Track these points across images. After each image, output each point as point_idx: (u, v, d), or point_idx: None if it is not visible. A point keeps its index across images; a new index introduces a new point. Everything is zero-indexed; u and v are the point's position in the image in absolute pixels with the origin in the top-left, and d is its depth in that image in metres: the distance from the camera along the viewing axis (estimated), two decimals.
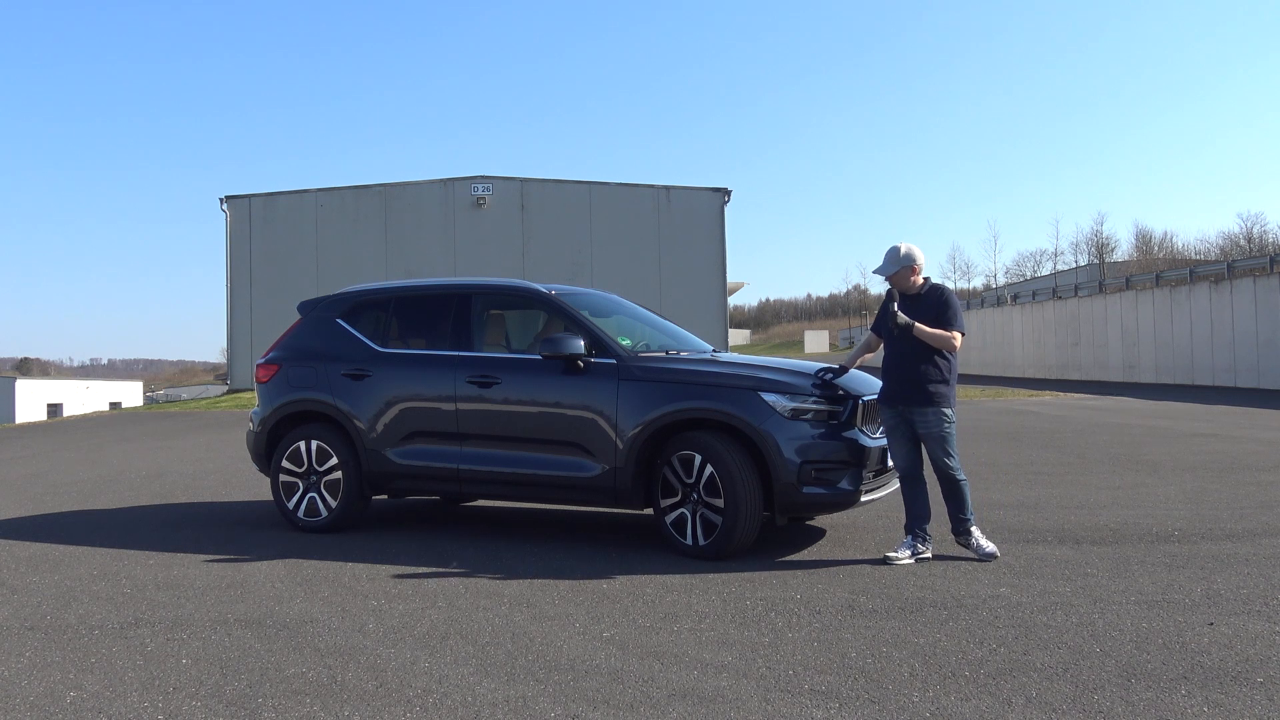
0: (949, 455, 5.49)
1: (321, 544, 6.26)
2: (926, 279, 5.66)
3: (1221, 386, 25.49)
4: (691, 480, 5.60)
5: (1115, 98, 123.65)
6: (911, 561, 5.42)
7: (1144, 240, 69.35)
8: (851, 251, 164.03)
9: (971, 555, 5.48)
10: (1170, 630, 4.08)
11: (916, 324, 5.45)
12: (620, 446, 5.79)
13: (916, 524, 5.53)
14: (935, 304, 5.53)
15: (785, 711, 3.27)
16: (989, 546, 5.47)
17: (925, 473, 5.63)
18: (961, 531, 5.52)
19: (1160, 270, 36.73)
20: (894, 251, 5.60)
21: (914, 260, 5.57)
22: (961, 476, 5.53)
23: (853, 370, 6.04)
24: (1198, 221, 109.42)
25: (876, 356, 6.05)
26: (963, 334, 5.52)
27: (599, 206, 29.84)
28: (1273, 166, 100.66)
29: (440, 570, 5.50)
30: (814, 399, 5.55)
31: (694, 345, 6.88)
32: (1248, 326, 25.40)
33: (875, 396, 5.87)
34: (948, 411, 5.48)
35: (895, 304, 5.56)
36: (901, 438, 5.60)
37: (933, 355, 5.48)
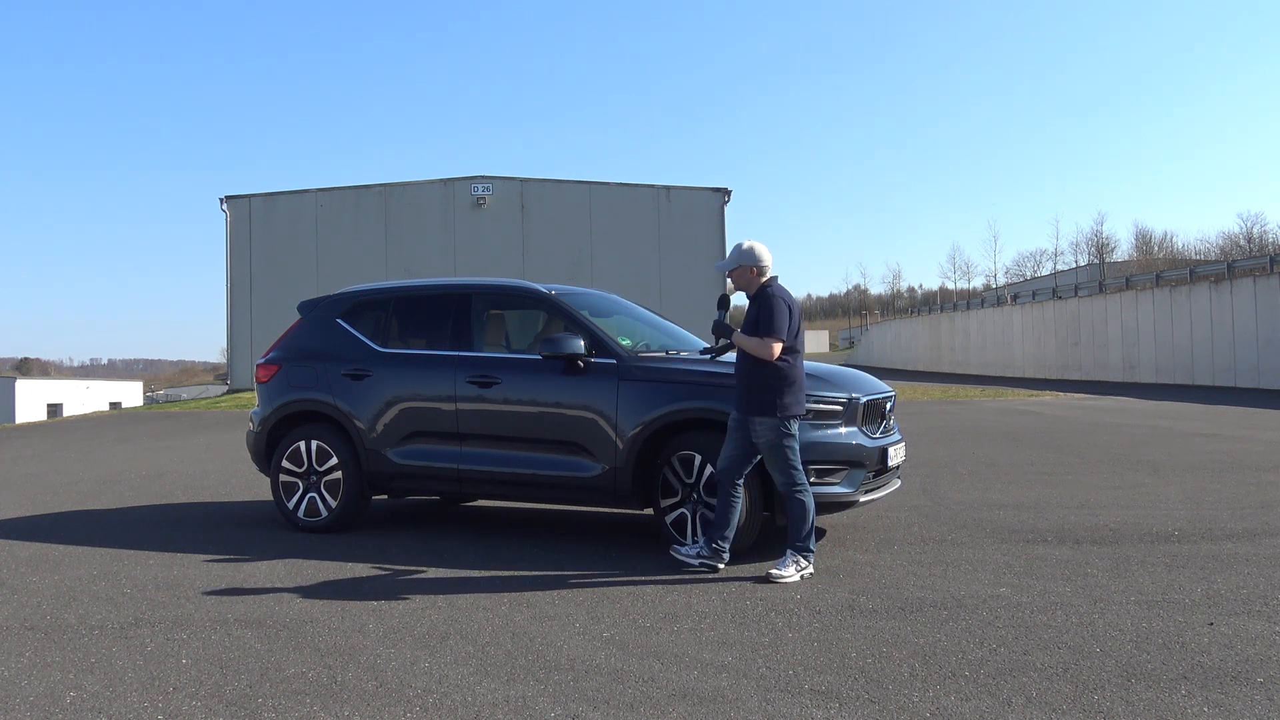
0: (783, 469, 5.11)
1: (321, 544, 6.26)
2: (772, 279, 5.29)
3: (1221, 386, 25.49)
4: (691, 480, 5.60)
5: (1115, 98, 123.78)
6: (694, 563, 5.23)
7: (1144, 240, 69.42)
8: (851, 251, 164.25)
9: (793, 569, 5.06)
10: (1170, 630, 4.08)
11: (737, 331, 5.21)
12: (620, 446, 5.79)
13: (713, 531, 5.23)
14: (754, 307, 5.22)
15: (785, 711, 3.28)
16: (790, 577, 5.02)
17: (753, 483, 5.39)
18: (789, 550, 5.11)
19: (1160, 270, 36.75)
20: (736, 247, 5.32)
21: (754, 259, 5.23)
22: (800, 494, 5.11)
23: (854, 370, 6.01)
24: (1198, 221, 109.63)
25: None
26: (780, 340, 5.06)
27: (599, 206, 29.85)
28: (1273, 166, 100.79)
29: (440, 570, 5.50)
30: (813, 399, 5.53)
31: (694, 345, 6.88)
32: (1248, 326, 25.41)
33: (876, 397, 5.88)
34: (777, 422, 5.07)
35: (723, 308, 5.50)
36: (734, 440, 5.21)
37: (756, 362, 5.13)
